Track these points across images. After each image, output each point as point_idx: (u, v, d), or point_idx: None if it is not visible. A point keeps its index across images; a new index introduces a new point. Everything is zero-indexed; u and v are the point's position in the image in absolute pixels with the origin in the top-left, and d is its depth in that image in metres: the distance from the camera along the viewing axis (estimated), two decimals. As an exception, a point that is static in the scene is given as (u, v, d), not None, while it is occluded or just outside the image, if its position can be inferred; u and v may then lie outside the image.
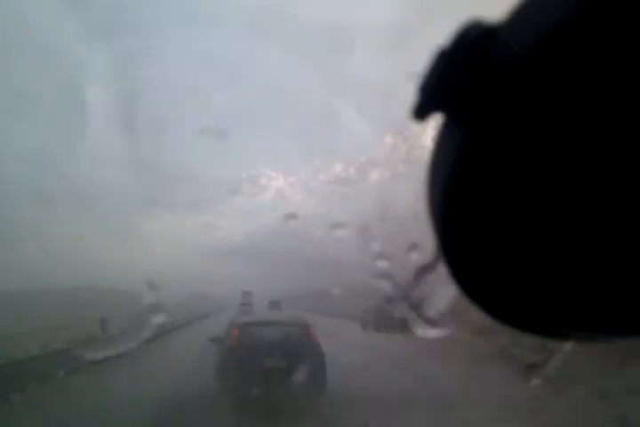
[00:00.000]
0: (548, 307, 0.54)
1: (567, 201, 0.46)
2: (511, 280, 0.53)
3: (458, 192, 0.50)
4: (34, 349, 10.77)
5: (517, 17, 0.44)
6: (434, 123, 0.51)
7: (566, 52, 0.40)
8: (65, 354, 10.77)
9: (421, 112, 0.49)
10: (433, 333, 5.75)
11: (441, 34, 0.49)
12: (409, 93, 0.50)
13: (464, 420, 5.96)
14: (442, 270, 0.59)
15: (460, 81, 0.45)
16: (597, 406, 5.85)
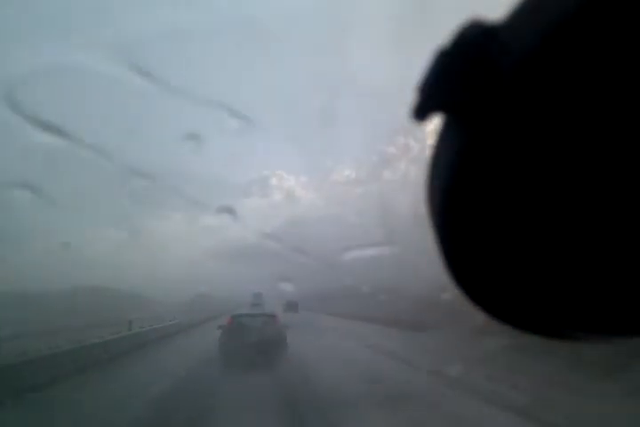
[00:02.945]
0: (548, 307, 0.54)
1: (568, 201, 0.46)
2: (511, 280, 0.53)
3: (458, 193, 0.50)
4: (42, 349, 10.85)
5: (517, 17, 0.44)
6: (435, 123, 0.51)
7: (567, 52, 0.40)
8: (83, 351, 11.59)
9: (421, 112, 0.49)
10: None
11: (441, 34, 0.49)
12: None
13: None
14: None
15: (459, 81, 0.45)
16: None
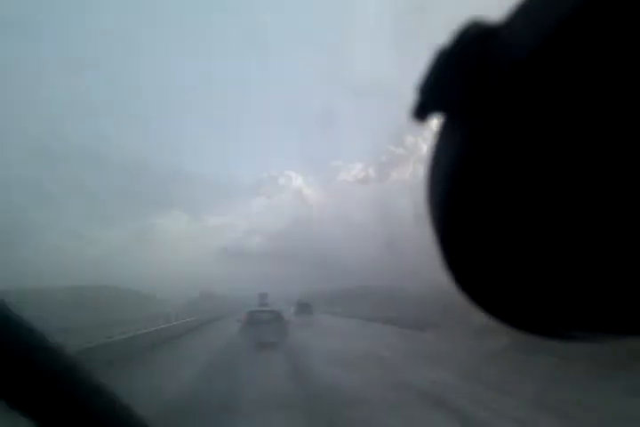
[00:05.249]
0: (548, 307, 0.54)
1: (569, 201, 0.46)
2: (511, 280, 0.53)
3: (457, 193, 0.50)
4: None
5: (518, 16, 0.43)
6: (437, 123, 0.51)
7: (568, 52, 0.40)
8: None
9: (421, 113, 0.49)
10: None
11: (441, 33, 0.49)
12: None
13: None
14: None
15: (459, 81, 0.45)
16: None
